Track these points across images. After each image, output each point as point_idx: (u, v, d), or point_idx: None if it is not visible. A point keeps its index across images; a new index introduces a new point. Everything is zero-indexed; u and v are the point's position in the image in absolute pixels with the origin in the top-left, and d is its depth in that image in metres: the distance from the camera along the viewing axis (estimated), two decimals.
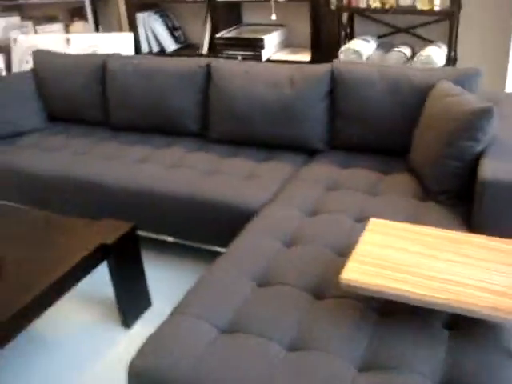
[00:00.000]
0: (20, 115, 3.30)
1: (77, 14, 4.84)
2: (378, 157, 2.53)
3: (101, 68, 3.15)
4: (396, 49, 3.68)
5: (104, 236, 2.20)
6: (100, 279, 2.55)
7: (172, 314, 1.65)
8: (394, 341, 1.48)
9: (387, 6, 3.60)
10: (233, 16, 4.37)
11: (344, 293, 1.65)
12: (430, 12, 3.35)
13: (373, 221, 1.77)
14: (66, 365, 2.13)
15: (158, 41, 4.56)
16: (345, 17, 3.90)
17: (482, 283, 1.44)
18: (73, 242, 2.18)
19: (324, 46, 3.95)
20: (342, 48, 3.70)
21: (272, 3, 3.85)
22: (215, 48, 4.11)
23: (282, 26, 4.20)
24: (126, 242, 2.23)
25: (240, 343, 1.52)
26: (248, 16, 4.40)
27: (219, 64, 2.83)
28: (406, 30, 3.80)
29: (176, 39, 4.64)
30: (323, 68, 2.59)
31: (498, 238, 1.62)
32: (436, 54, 3.46)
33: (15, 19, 5.22)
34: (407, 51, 3.68)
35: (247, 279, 1.78)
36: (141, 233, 2.64)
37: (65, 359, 2.16)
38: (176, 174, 2.55)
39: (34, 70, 3.40)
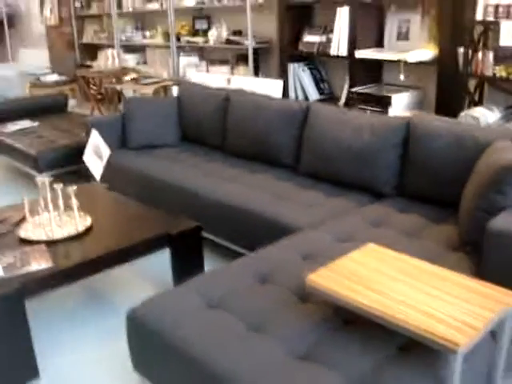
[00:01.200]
0: (161, 132, 3.93)
1: (242, 59, 5.50)
2: (437, 206, 2.61)
3: (225, 100, 3.65)
4: None
5: (171, 228, 2.61)
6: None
7: (180, 286, 1.98)
8: (340, 344, 1.63)
9: None
10: (373, 74, 4.65)
11: (323, 301, 1.83)
12: None
13: (369, 245, 1.93)
14: (110, 319, 2.57)
15: (303, 90, 5.00)
16: (473, 83, 3.97)
17: (432, 310, 1.53)
18: (148, 226, 2.63)
19: (449, 110, 4.04)
20: (462, 113, 3.77)
21: (401, 64, 4.09)
22: (349, 101, 4.42)
23: (417, 88, 4.37)
24: (187, 236, 2.62)
25: (215, 317, 1.80)
26: (388, 75, 4.64)
27: (317, 107, 3.15)
28: None
29: (320, 90, 5.04)
30: (401, 120, 2.77)
31: (479, 281, 1.69)
32: None
33: (195, 59, 6.08)
34: None
35: (253, 276, 2.05)
36: (212, 237, 3.02)
37: (111, 314, 2.61)
38: (254, 194, 2.89)
39: (178, 97, 4.04)
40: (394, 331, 1.64)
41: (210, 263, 2.99)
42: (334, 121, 3.02)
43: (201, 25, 5.99)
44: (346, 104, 4.47)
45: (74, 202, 2.65)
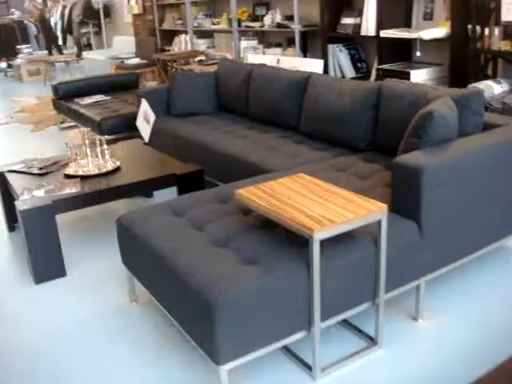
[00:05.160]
0: (200, 101, 4.61)
1: (293, 42, 6.04)
2: None
3: (248, 74, 4.26)
4: None
5: (179, 170, 3.27)
6: None
7: (157, 204, 2.62)
8: (249, 240, 2.20)
9: None
10: (403, 52, 5.04)
11: (257, 215, 2.40)
12: None
13: (300, 174, 2.46)
14: None
15: (340, 68, 5.47)
16: (488, 58, 4.27)
17: (308, 211, 2.06)
18: (161, 169, 3.32)
19: (462, 83, 4.37)
20: (470, 85, 4.12)
21: (417, 42, 4.47)
22: (377, 78, 4.86)
23: (439, 64, 4.72)
24: (191, 176, 3.26)
25: (175, 221, 2.42)
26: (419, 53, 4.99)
27: (315, 77, 3.67)
28: None
29: (357, 69, 5.49)
30: (373, 85, 3.24)
31: (362, 196, 2.17)
32: None
33: (253, 42, 6.70)
34: None
35: (216, 199, 2.65)
36: (218, 182, 3.66)
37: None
38: (252, 147, 3.48)
39: (215, 72, 4.68)
40: (292, 234, 2.18)
41: None
42: (325, 87, 3.53)
43: (260, 10, 6.59)
44: (376, 79, 4.90)
45: (106, 148, 3.38)
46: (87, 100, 5.69)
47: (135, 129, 4.73)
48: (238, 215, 2.46)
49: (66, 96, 5.99)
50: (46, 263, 2.93)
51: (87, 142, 3.38)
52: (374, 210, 2.06)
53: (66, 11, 11.71)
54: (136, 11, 8.67)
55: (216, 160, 3.64)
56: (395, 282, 2.32)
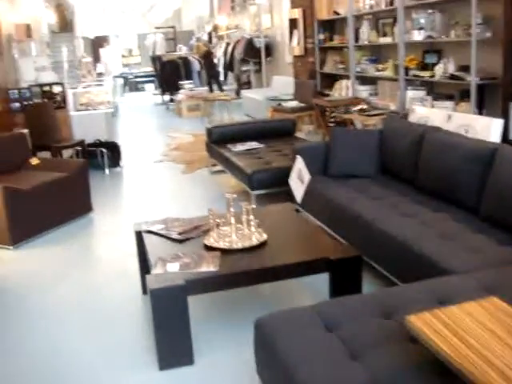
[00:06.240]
0: (360, 163, 4.13)
1: (467, 95, 5.37)
2: None
3: (420, 137, 3.70)
4: None
5: (332, 253, 2.81)
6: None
7: (305, 306, 2.18)
8: None
9: None
10: None
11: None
12: None
13: (492, 299, 1.88)
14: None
15: None
16: None
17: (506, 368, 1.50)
18: (314, 250, 2.89)
19: None
20: None
21: None
22: None
23: None
24: (347, 263, 2.77)
25: (325, 339, 1.96)
26: None
27: (504, 150, 3.03)
28: None
29: None
30: None
31: None
32: None
33: (421, 93, 6.11)
34: None
35: (378, 310, 2.15)
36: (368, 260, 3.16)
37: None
38: (420, 231, 2.94)
39: (381, 131, 4.18)
40: None
41: (369, 288, 3.09)
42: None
43: (431, 59, 5.99)
44: None
45: (252, 219, 3.02)
46: (240, 147, 5.47)
47: (287, 185, 4.36)
48: (404, 342, 1.93)
49: (219, 140, 5.84)
50: (172, 348, 2.61)
51: (232, 210, 3.05)
52: None
53: (229, 48, 11.93)
54: (297, 52, 8.48)
55: (375, 239, 3.13)
56: None
